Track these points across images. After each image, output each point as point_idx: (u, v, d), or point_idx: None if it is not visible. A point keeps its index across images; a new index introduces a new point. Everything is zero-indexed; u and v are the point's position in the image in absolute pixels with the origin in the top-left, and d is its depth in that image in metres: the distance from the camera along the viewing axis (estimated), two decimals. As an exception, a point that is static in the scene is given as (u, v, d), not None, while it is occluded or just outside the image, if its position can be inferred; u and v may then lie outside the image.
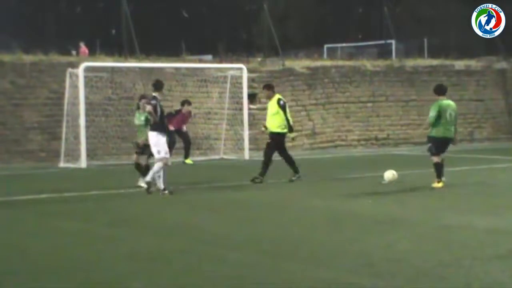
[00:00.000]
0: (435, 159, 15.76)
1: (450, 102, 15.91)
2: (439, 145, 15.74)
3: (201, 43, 43.74)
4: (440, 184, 15.59)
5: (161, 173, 15.23)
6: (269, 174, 19.31)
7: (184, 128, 23.54)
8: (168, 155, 15.60)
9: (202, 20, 52.85)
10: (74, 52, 28.64)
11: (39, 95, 24.19)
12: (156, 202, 14.68)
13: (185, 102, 23.56)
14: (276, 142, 17.28)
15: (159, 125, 15.49)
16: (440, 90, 15.98)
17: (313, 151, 27.29)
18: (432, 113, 15.59)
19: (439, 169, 15.72)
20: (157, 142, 15.40)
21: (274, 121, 17.25)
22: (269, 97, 17.56)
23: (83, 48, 31.61)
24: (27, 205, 14.68)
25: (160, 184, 15.25)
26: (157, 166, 15.28)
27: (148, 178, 15.36)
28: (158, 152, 15.32)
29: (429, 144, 15.86)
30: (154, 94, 15.80)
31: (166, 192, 15.14)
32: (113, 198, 15.38)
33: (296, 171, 17.30)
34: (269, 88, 17.71)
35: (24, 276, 8.51)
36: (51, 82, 24.36)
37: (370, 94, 29.36)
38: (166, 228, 11.66)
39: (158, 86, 15.94)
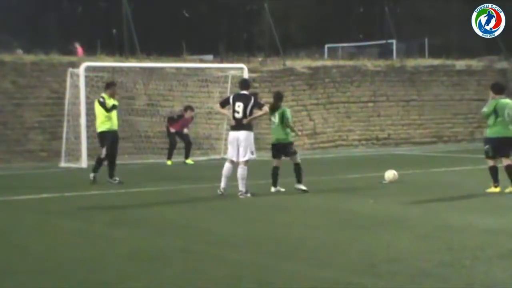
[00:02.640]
0: (491, 162, 15.00)
1: (509, 101, 15.12)
2: (497, 145, 14.91)
3: (202, 43, 43.70)
4: (497, 189, 14.80)
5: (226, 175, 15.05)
6: (269, 174, 19.31)
7: (185, 130, 23.58)
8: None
9: (203, 20, 52.80)
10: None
11: (40, 95, 24.21)
12: (156, 202, 14.68)
13: (188, 108, 23.60)
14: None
15: (251, 125, 15.29)
16: (498, 89, 15.21)
17: (314, 151, 27.30)
18: (486, 109, 14.93)
19: (494, 173, 14.92)
20: (252, 141, 15.09)
21: (116, 120, 17.99)
22: (113, 95, 18.09)
23: (79, 48, 31.51)
24: (28, 205, 14.68)
25: (243, 187, 14.87)
26: (244, 170, 14.88)
27: (242, 187, 14.85)
28: (252, 152, 15.15)
29: (487, 146, 15.00)
30: (246, 92, 15.15)
31: (249, 194, 14.83)
32: (114, 198, 15.37)
33: (95, 170, 17.80)
34: (115, 85, 18.77)
35: (24, 276, 8.51)
36: (52, 82, 24.39)
37: (371, 94, 29.36)
38: (166, 228, 11.65)
39: (246, 84, 15.42)
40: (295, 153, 15.50)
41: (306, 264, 8.81)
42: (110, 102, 17.78)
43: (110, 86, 18.29)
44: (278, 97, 15.54)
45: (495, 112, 14.85)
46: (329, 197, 14.54)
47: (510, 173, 14.84)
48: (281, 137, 15.43)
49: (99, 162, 17.85)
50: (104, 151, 17.70)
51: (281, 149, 15.48)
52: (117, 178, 17.73)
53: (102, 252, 9.75)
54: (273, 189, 15.41)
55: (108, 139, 17.65)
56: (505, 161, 14.92)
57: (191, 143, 23.73)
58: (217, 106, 16.03)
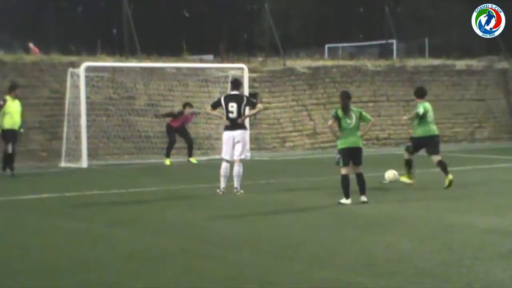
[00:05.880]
0: (408, 155, 16.44)
1: (428, 104, 16.69)
2: (422, 143, 16.30)
3: (202, 42, 43.66)
4: (410, 180, 16.37)
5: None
6: (269, 174, 19.30)
7: (186, 128, 23.58)
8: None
9: (203, 20, 52.78)
10: None
11: (40, 94, 24.19)
12: (156, 202, 14.68)
13: (187, 105, 23.56)
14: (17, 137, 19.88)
15: (245, 124, 15.72)
16: (422, 93, 16.63)
17: (314, 150, 27.29)
18: (421, 110, 16.12)
19: (410, 165, 16.41)
20: (247, 140, 15.67)
21: (19, 119, 19.72)
22: (17, 97, 19.83)
23: (33, 48, 31.31)
24: (28, 205, 14.68)
25: (238, 184, 15.20)
26: (240, 167, 15.18)
27: (237, 184, 15.15)
28: (247, 151, 15.39)
29: (410, 144, 16.51)
30: (238, 92, 15.51)
31: (242, 191, 15.16)
32: (114, 198, 15.37)
33: (4, 168, 19.63)
34: (17, 87, 20.14)
35: (24, 276, 8.51)
36: (52, 81, 24.37)
37: (371, 94, 29.35)
38: (166, 228, 11.65)
39: (238, 85, 15.78)
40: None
41: (306, 264, 8.81)
42: (14, 104, 19.57)
43: (13, 89, 19.88)
44: (348, 96, 14.15)
45: (423, 114, 16.20)
46: (329, 197, 14.50)
47: (443, 167, 15.94)
48: (356, 140, 13.84)
49: (8, 157, 19.59)
50: (10, 147, 19.45)
51: (354, 154, 13.83)
52: (12, 172, 19.52)
53: (102, 252, 9.76)
54: (348, 201, 13.60)
55: (9, 136, 19.54)
56: (436, 158, 16.12)
57: (193, 141, 23.70)
58: (208, 109, 16.04)
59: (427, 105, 16.50)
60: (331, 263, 8.91)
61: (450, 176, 15.69)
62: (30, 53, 28.20)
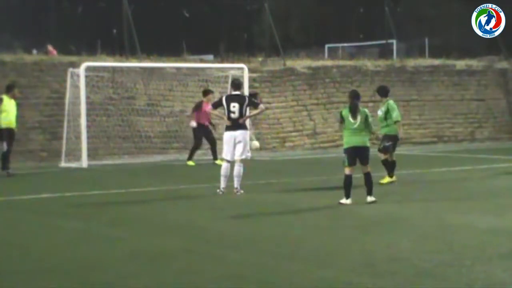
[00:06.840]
0: (389, 156, 16.73)
1: (392, 101, 17.05)
2: (395, 142, 16.90)
3: (202, 42, 43.76)
4: (393, 178, 16.61)
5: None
6: (269, 174, 19.30)
7: (193, 123, 22.51)
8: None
9: (203, 20, 52.87)
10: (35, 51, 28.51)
11: (40, 94, 24.19)
12: (156, 201, 14.68)
13: (209, 92, 22.47)
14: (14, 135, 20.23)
15: (246, 124, 15.71)
16: (385, 92, 17.00)
17: (314, 150, 27.28)
18: (398, 112, 16.66)
19: (393, 165, 16.72)
20: (248, 140, 15.54)
21: (14, 118, 20.01)
22: (14, 97, 20.19)
23: (51, 49, 31.38)
24: (28, 205, 14.68)
25: (239, 184, 15.12)
26: (241, 167, 15.15)
27: (237, 184, 15.08)
28: (248, 151, 15.41)
29: (390, 143, 16.67)
30: (239, 92, 15.50)
31: (243, 191, 15.12)
32: (114, 198, 15.37)
33: (3, 168, 19.77)
34: (15, 88, 20.36)
35: (24, 276, 8.51)
36: (52, 81, 24.36)
37: (371, 94, 29.27)
38: (166, 228, 11.66)
39: (239, 85, 15.72)
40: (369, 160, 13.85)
41: (306, 264, 8.81)
42: (10, 103, 19.86)
43: (11, 88, 20.18)
44: (356, 96, 13.99)
45: (386, 113, 16.63)
46: (329, 197, 14.50)
47: (389, 164, 16.74)
48: (361, 140, 13.76)
49: (5, 157, 19.83)
50: (5, 146, 19.76)
51: (360, 154, 13.67)
52: (9, 171, 19.76)
53: (102, 252, 9.76)
54: (348, 201, 13.46)
55: (5, 135, 19.78)
56: (385, 156, 16.70)
57: (216, 141, 22.69)
58: (209, 109, 16.03)
59: (391, 102, 16.79)
60: (331, 263, 8.91)
61: (394, 178, 16.55)
62: (49, 55, 28.25)
